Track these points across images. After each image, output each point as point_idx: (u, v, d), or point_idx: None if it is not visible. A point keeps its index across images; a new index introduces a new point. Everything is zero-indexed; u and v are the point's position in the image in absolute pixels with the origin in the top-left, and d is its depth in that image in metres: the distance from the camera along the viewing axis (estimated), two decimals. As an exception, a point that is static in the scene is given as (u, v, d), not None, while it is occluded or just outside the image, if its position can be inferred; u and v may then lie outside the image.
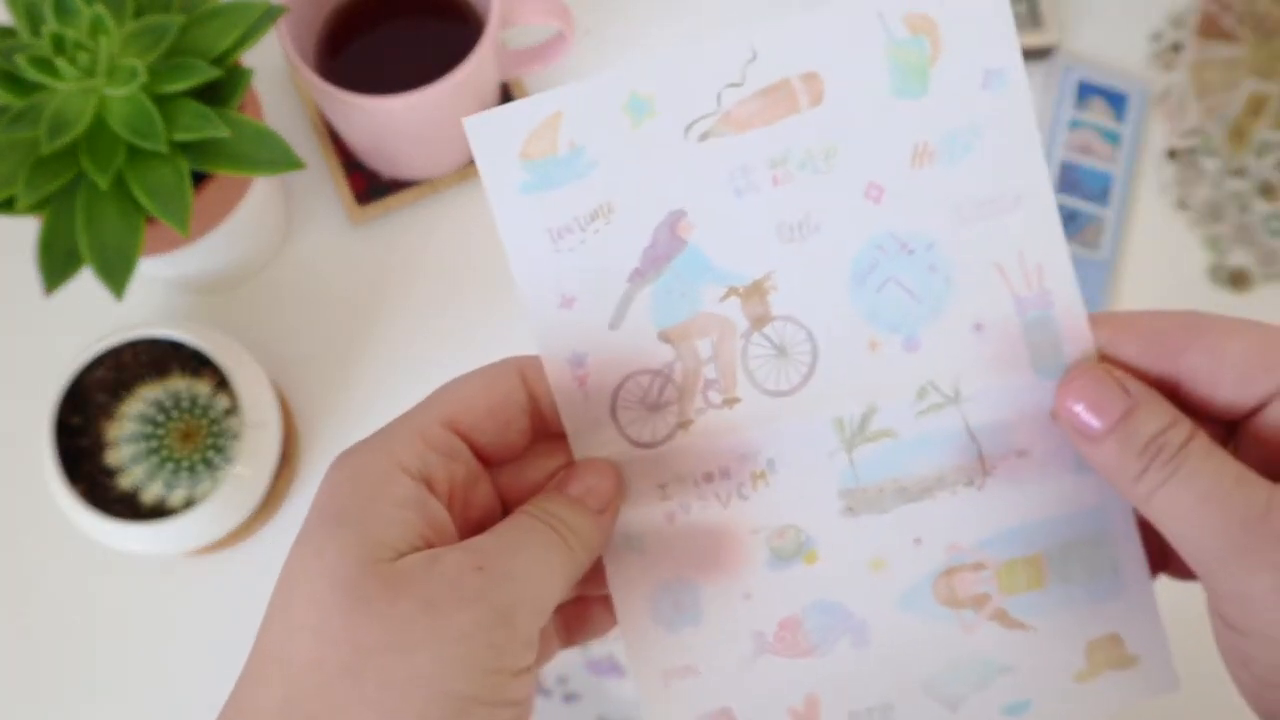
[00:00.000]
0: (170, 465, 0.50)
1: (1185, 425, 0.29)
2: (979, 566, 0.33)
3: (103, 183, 0.44)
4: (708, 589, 0.33)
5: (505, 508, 0.33)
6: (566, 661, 0.56)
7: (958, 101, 0.31)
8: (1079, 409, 0.30)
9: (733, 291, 0.32)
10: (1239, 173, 0.64)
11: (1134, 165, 0.64)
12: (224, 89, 0.48)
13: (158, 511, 0.50)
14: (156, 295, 0.60)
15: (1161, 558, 0.34)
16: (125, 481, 0.50)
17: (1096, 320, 0.31)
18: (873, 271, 0.32)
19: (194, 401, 0.51)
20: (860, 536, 0.33)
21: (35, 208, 0.46)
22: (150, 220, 0.47)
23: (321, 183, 0.62)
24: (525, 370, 0.32)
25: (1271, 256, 0.63)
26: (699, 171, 0.32)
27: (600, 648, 0.57)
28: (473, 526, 0.31)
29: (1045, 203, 0.32)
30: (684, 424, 0.32)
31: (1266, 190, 0.64)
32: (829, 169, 0.32)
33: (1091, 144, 0.64)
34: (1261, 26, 0.66)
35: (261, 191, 0.55)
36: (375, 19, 0.59)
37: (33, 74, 0.43)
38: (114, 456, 0.50)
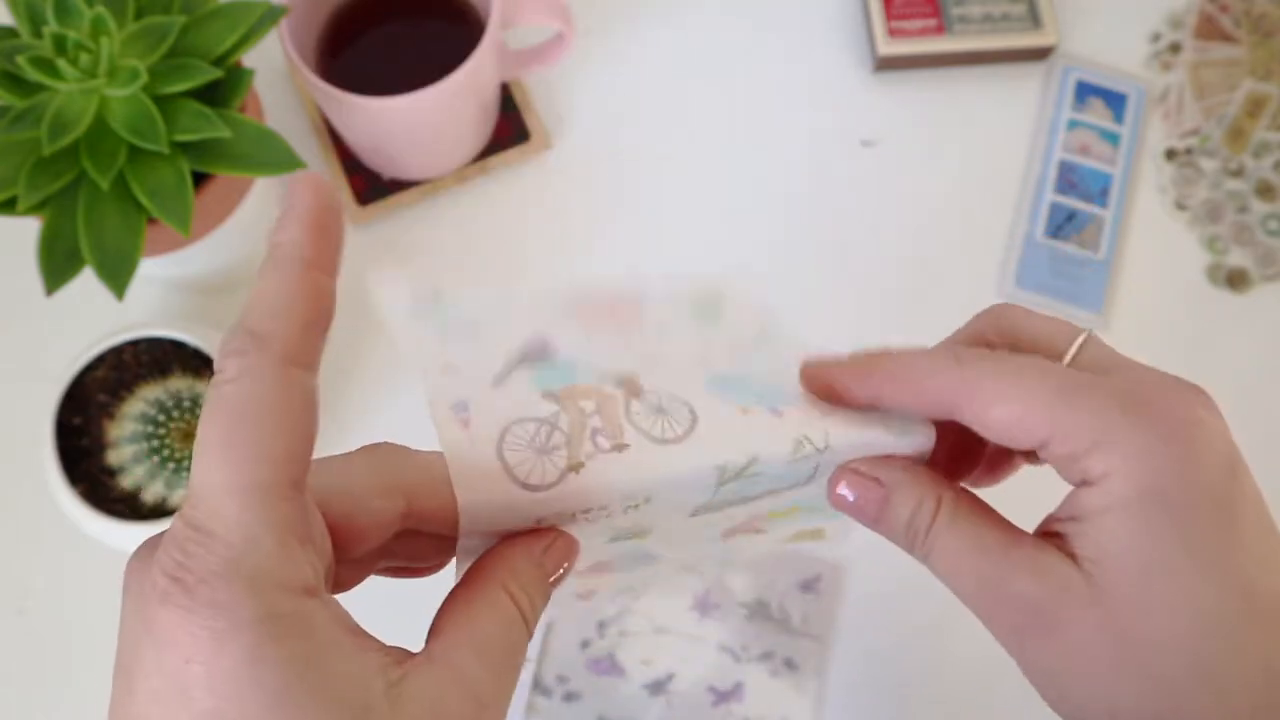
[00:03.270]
0: (171, 465, 0.50)
1: (930, 503, 0.32)
2: (759, 531, 0.37)
3: (104, 183, 0.44)
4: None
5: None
6: (566, 661, 0.56)
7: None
8: (851, 502, 0.33)
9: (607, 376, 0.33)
10: (1237, 173, 0.65)
11: (1132, 165, 0.64)
12: (225, 89, 0.48)
13: (159, 511, 0.50)
14: (157, 295, 0.60)
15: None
16: (126, 481, 0.50)
17: (868, 370, 0.34)
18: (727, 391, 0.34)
19: (195, 401, 0.51)
20: (691, 523, 0.35)
21: (36, 208, 0.46)
22: (151, 221, 0.47)
23: (322, 183, 0.62)
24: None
25: (1270, 256, 0.64)
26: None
27: (600, 646, 0.57)
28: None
29: None
30: (574, 466, 0.31)
31: (1265, 190, 0.64)
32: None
33: (1090, 144, 0.64)
34: (1259, 27, 0.66)
35: (262, 192, 0.55)
36: (375, 19, 0.59)
37: (34, 75, 0.43)
38: (115, 456, 0.50)
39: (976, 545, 0.31)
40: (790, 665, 0.56)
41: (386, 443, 0.29)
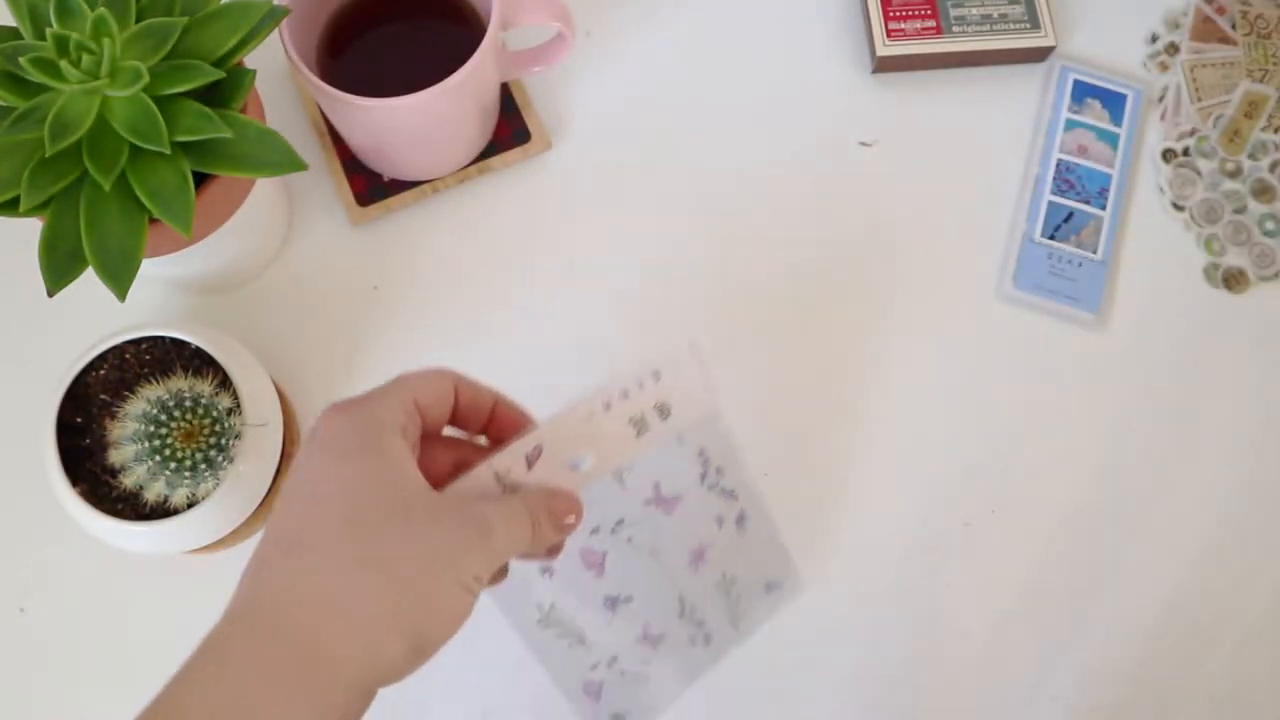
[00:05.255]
0: (173, 464, 0.50)
1: None
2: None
3: (105, 184, 0.44)
4: None
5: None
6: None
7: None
8: None
9: None
10: (1234, 173, 0.65)
11: (1130, 166, 0.65)
12: (226, 90, 0.48)
13: (160, 511, 0.50)
14: (158, 296, 0.60)
15: None
16: (128, 480, 0.50)
17: None
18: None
19: (196, 401, 0.51)
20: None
21: (38, 209, 0.46)
22: (153, 221, 0.47)
23: (322, 183, 0.62)
24: (459, 382, 0.42)
25: (1267, 256, 0.64)
26: None
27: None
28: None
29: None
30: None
31: (1262, 191, 0.65)
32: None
33: (1088, 145, 0.65)
34: (1256, 28, 0.67)
35: (263, 192, 0.55)
36: (375, 20, 0.59)
37: (36, 75, 0.44)
38: (116, 456, 0.50)
39: None
40: (707, 641, 0.55)
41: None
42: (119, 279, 0.46)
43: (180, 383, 0.51)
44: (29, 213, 0.45)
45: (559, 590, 0.51)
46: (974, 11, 0.65)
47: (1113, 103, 0.65)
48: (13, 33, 0.47)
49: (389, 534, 0.37)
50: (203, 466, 0.50)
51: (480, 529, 0.39)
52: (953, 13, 0.65)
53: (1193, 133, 0.65)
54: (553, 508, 0.44)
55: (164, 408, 0.50)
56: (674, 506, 0.51)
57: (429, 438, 0.43)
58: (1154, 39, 0.67)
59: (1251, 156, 0.65)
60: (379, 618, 0.36)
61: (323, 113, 0.61)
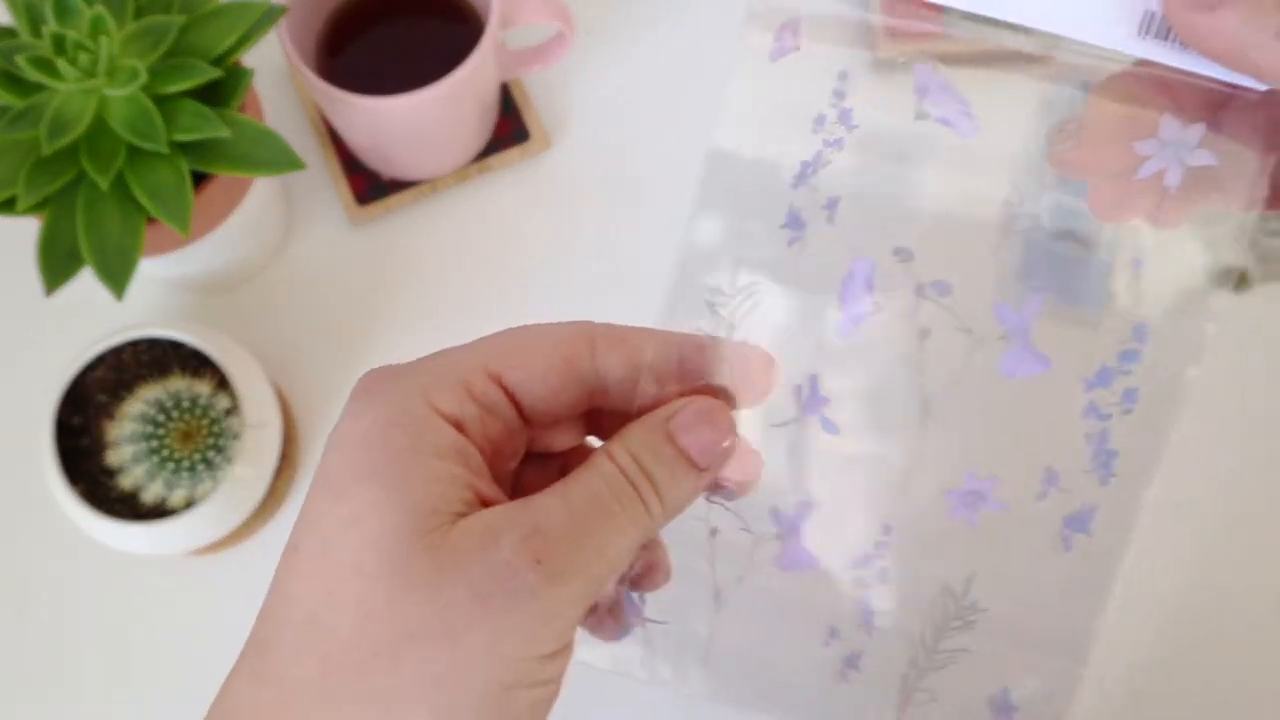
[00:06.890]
0: (171, 465, 0.50)
1: None
2: None
3: (103, 183, 0.44)
4: None
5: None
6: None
7: None
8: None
9: None
10: (1237, 173, 0.65)
11: (1133, 165, 0.64)
12: (224, 89, 0.48)
13: (158, 511, 0.50)
14: (157, 295, 0.60)
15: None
16: (126, 481, 0.50)
17: None
18: None
19: (194, 401, 0.51)
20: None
21: (36, 208, 0.46)
22: (151, 220, 0.47)
23: (322, 183, 0.62)
24: (599, 340, 0.28)
25: (1270, 257, 0.64)
26: None
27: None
28: (503, 476, 0.28)
29: None
30: None
31: (1265, 190, 0.64)
32: None
33: (1090, 144, 0.64)
34: (1260, 27, 0.66)
35: (262, 192, 0.55)
36: (375, 19, 0.59)
37: (33, 74, 0.43)
38: (114, 456, 0.50)
39: None
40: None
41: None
42: (117, 278, 0.46)
43: (178, 383, 0.51)
44: (26, 212, 0.45)
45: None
46: (975, 10, 0.65)
47: (1115, 102, 0.65)
48: (10, 32, 0.46)
49: (408, 634, 0.25)
50: (201, 467, 0.50)
51: (539, 597, 0.24)
52: (954, 11, 0.64)
53: (1195, 132, 0.65)
54: (693, 443, 0.26)
55: (162, 408, 0.50)
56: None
57: (547, 433, 0.29)
58: (1156, 38, 0.67)
59: (1254, 156, 0.65)
60: None
61: (322, 112, 0.61)
